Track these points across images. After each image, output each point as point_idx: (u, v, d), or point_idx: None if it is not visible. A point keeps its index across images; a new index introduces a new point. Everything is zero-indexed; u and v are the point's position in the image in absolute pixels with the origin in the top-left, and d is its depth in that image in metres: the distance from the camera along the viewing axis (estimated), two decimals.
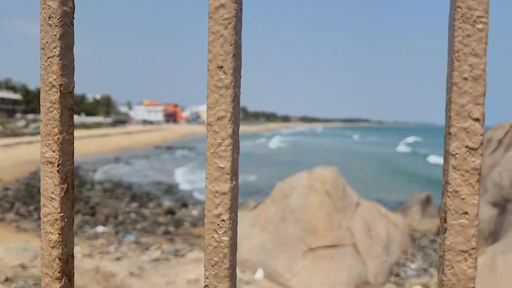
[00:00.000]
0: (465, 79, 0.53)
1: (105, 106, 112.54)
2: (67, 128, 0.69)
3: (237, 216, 0.63)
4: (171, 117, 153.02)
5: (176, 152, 47.82)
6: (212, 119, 0.60)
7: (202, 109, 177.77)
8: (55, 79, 0.67)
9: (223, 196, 0.61)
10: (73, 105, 0.70)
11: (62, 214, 0.69)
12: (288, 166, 33.58)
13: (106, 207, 16.23)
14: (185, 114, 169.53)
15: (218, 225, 0.61)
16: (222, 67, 0.59)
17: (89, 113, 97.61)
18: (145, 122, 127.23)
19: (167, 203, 17.74)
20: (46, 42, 0.67)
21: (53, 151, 0.68)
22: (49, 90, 0.67)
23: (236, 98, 0.61)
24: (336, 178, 9.53)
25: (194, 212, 16.16)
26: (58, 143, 0.68)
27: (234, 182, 0.62)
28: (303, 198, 9.37)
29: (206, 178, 0.62)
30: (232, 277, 0.63)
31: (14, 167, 25.89)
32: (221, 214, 0.61)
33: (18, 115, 77.01)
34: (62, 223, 0.69)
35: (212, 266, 0.62)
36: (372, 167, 36.81)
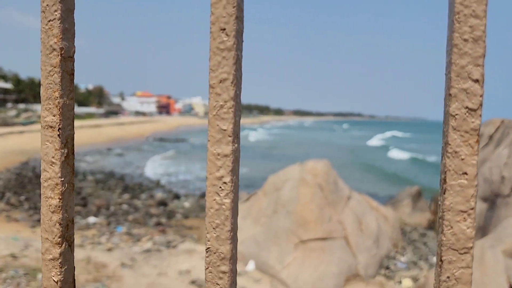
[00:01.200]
0: (465, 40, 0.53)
1: (97, 96, 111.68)
2: (68, 93, 0.69)
3: (238, 179, 0.63)
4: (164, 108, 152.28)
5: (169, 144, 47.68)
6: (214, 81, 0.60)
7: (195, 101, 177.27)
8: (55, 43, 0.66)
9: (225, 158, 0.60)
10: (73, 70, 0.69)
11: (62, 179, 0.69)
12: (255, 160, 33.69)
13: (98, 198, 16.18)
14: (178, 106, 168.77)
15: (220, 187, 0.61)
16: (224, 29, 0.58)
17: (81, 104, 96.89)
18: (138, 113, 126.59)
19: (159, 194, 17.72)
20: (47, 5, 0.66)
21: (54, 115, 0.67)
22: (49, 54, 0.66)
23: (238, 60, 0.60)
24: (328, 171, 9.57)
25: (186, 204, 16.17)
26: (58, 107, 0.67)
27: (236, 145, 0.62)
28: (294, 191, 9.41)
29: (208, 140, 0.62)
30: (233, 240, 0.63)
31: (5, 157, 25.70)
32: (223, 177, 0.61)
33: (9, 104, 76.23)
34: (63, 188, 0.69)
35: (213, 228, 0.62)
36: (334, 158, 37.12)
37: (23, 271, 7.87)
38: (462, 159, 0.55)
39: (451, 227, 0.56)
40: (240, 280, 8.72)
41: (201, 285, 8.23)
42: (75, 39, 0.70)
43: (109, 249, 10.09)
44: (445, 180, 0.56)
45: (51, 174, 0.68)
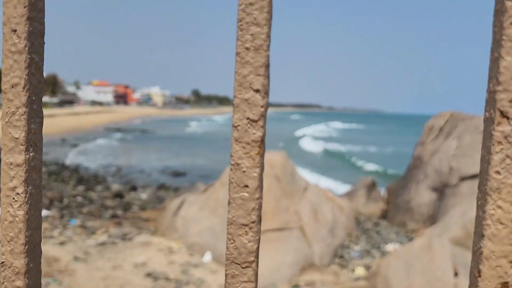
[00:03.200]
0: (247, 49, 0.51)
1: (50, 85, 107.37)
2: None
3: (39, 190, 0.60)
4: (122, 98, 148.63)
5: (126, 134, 46.65)
6: (6, 86, 0.55)
7: (154, 91, 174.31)
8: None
9: (18, 168, 0.56)
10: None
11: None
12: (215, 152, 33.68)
13: (50, 190, 15.61)
14: (136, 95, 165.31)
15: (14, 198, 0.57)
16: (15, 30, 0.54)
17: None
18: (94, 103, 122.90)
19: (115, 186, 17.33)
20: None
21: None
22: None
23: (33, 64, 0.56)
24: (285, 162, 9.67)
25: (143, 195, 15.91)
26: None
27: (32, 154, 0.57)
28: None
29: (1, 149, 0.58)
30: (30, 253, 0.58)
31: None
32: (16, 187, 0.57)
33: None
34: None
35: (8, 242, 0.58)
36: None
37: None
38: (244, 172, 0.53)
39: (234, 241, 0.54)
40: (197, 272, 8.70)
41: (157, 277, 8.15)
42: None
43: (62, 243, 9.78)
44: (229, 192, 0.55)
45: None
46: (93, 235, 10.74)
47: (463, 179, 10.38)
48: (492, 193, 0.45)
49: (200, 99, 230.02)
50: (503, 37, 0.42)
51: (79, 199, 14.72)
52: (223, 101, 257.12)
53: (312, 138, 52.93)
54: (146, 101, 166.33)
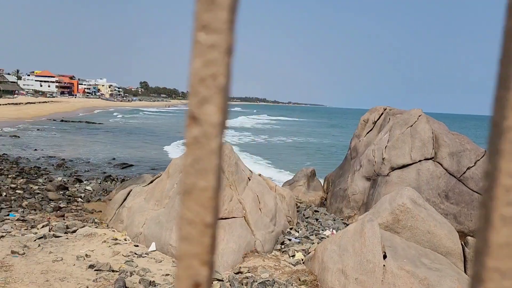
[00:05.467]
0: None
1: None
2: None
3: None
4: (67, 89, 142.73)
5: (69, 125, 45.05)
6: None
7: (101, 82, 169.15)
8: None
9: None
10: None
11: None
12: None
13: None
14: (83, 87, 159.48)
15: None
16: None
17: None
18: (37, 93, 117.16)
19: (59, 178, 16.89)
20: None
21: None
22: None
23: None
24: (229, 153, 9.93)
25: (89, 187, 15.65)
26: None
27: None
28: None
29: None
30: None
31: None
32: None
33: None
34: None
35: None
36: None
37: None
38: None
39: None
40: (142, 262, 8.79)
41: (100, 269, 8.17)
42: None
43: None
44: None
45: None
46: (33, 228, 10.50)
47: (393, 169, 11.14)
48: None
49: (148, 91, 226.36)
50: None
51: (19, 191, 14.25)
52: (171, 94, 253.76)
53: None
54: (93, 92, 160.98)
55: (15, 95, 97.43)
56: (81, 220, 11.46)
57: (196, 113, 0.39)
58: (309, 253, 8.97)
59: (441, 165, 11.23)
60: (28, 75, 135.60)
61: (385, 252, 7.99)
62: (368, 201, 11.16)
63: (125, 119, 65.90)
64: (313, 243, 9.80)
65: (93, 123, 50.55)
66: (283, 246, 9.64)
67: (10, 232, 10.07)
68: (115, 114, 77.23)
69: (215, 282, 7.61)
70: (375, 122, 13.03)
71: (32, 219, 11.32)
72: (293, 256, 9.16)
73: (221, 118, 0.39)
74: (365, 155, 11.81)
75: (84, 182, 16.75)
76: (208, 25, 0.38)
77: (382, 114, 13.06)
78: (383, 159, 11.29)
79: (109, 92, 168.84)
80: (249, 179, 10.25)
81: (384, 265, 7.68)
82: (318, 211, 12.43)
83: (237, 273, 8.16)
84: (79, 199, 13.95)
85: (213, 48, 0.38)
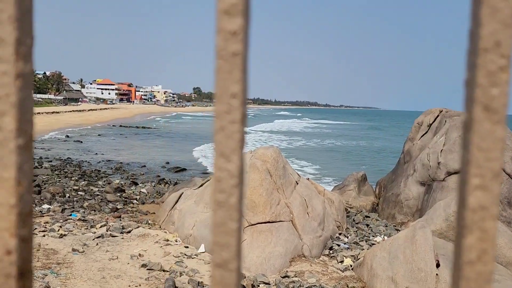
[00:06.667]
0: None
1: (55, 83, 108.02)
2: None
3: None
4: (125, 96, 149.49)
5: (128, 130, 47.05)
6: None
7: (157, 89, 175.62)
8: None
9: None
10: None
11: None
12: None
13: (53, 185, 15.98)
14: (140, 93, 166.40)
15: None
16: None
17: (38, 90, 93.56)
18: (98, 100, 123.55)
19: (116, 181, 17.68)
20: None
21: None
22: None
23: None
24: (277, 157, 9.96)
25: (144, 190, 16.25)
26: None
27: None
28: None
29: None
30: None
31: None
32: None
33: None
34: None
35: None
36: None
37: None
38: None
39: None
40: (191, 262, 9.01)
41: (152, 268, 8.46)
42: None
43: (62, 236, 10.11)
44: None
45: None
46: (93, 228, 11.07)
47: (450, 174, 10.64)
48: None
49: (201, 97, 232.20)
50: None
51: (80, 193, 15.08)
52: None
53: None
54: (149, 99, 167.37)
55: (79, 103, 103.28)
56: (135, 221, 11.94)
57: None
58: (358, 259, 8.78)
59: (503, 170, 10.60)
60: (91, 84, 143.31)
61: (438, 261, 7.67)
62: (422, 207, 10.75)
63: (177, 123, 67.91)
64: (363, 249, 9.59)
65: (148, 128, 52.48)
66: (331, 251, 9.51)
67: (72, 231, 10.68)
68: (168, 119, 79.83)
69: (261, 286, 7.64)
70: (430, 124, 12.54)
71: (92, 219, 11.94)
72: (342, 261, 9.00)
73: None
74: (419, 159, 11.40)
75: (140, 184, 17.41)
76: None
77: (437, 116, 12.56)
78: (438, 163, 10.84)
79: (164, 98, 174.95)
80: (297, 183, 10.22)
81: (437, 274, 7.37)
82: (369, 217, 12.14)
83: (283, 277, 8.14)
84: (135, 201, 14.52)
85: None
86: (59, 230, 10.63)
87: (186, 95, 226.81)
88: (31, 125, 0.49)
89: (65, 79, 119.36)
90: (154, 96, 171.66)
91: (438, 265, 7.61)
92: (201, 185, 11.63)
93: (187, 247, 9.84)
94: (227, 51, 0.43)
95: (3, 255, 0.46)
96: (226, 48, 0.44)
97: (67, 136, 35.60)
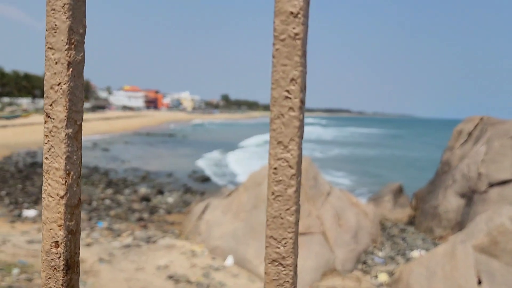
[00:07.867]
0: None
1: (84, 90, 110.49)
2: None
3: None
4: (152, 103, 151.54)
5: (156, 138, 47.43)
6: None
7: (184, 96, 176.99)
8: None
9: None
10: None
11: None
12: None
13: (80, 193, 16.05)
14: (167, 100, 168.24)
15: None
16: None
17: None
18: (125, 108, 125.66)
19: (143, 190, 17.63)
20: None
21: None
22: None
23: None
24: (308, 167, 9.61)
25: (170, 199, 16.12)
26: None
27: None
28: None
29: None
30: None
31: None
32: None
33: None
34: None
35: None
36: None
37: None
38: None
39: None
40: (218, 275, 8.73)
41: (178, 280, 8.22)
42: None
43: (88, 244, 10.01)
44: None
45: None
46: (119, 237, 10.95)
47: (492, 185, 10.01)
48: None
49: (229, 104, 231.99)
50: None
51: (107, 202, 15.06)
52: (252, 106, 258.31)
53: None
54: (176, 106, 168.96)
55: (106, 110, 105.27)
56: (162, 231, 11.76)
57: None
58: (393, 275, 8.31)
59: None
60: (118, 91, 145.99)
61: (479, 278, 7.15)
62: (463, 220, 10.15)
63: (204, 131, 68.21)
64: (399, 264, 9.09)
65: (175, 135, 52.81)
66: (365, 266, 9.05)
67: (98, 239, 10.58)
68: (195, 126, 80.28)
69: None
70: (470, 133, 11.92)
71: (118, 228, 11.83)
72: (376, 277, 8.54)
73: None
74: (459, 169, 10.81)
75: (166, 194, 17.30)
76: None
77: (478, 124, 11.93)
78: (479, 173, 10.23)
79: (192, 105, 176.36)
80: (329, 194, 9.83)
81: None
82: (405, 230, 11.58)
83: None
84: (161, 210, 14.38)
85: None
86: (86, 238, 10.56)
87: (214, 102, 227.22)
88: (81, 115, 0.52)
89: (93, 86, 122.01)
90: (181, 103, 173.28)
91: (479, 282, 7.11)
92: (229, 195, 11.36)
93: (214, 258, 9.57)
94: (287, 34, 0.42)
95: (51, 246, 0.48)
96: (286, 31, 0.42)
97: (94, 144, 36.07)
